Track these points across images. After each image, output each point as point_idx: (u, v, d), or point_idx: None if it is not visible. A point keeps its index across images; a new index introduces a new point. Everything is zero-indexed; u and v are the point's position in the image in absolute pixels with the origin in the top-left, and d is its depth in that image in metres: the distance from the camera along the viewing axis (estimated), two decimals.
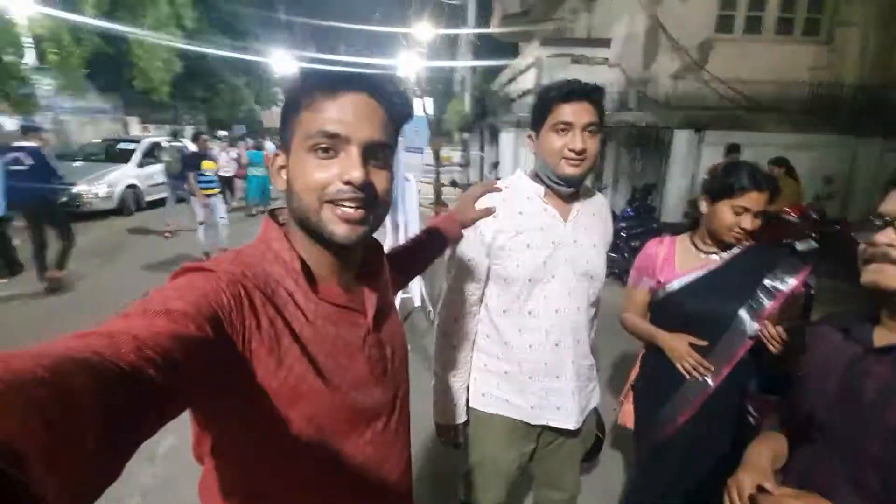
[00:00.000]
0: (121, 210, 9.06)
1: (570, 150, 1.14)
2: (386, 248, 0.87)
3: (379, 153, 0.66)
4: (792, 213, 4.59)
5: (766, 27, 7.47)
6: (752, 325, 1.35)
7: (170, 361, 0.43)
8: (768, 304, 1.34)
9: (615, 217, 5.97)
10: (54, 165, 5.07)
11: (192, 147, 11.91)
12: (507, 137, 9.21)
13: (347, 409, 0.69)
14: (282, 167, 0.68)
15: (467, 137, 16.05)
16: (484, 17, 15.50)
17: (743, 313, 1.36)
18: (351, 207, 0.64)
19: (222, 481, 0.67)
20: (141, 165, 9.78)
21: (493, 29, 14.41)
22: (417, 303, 4.35)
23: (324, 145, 0.62)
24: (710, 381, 1.39)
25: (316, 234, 0.66)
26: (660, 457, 1.52)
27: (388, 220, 6.29)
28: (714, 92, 7.16)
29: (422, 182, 6.19)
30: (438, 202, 6.18)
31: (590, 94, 1.15)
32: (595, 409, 1.55)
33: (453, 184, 8.41)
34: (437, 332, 1.33)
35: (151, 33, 10.51)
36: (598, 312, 1.44)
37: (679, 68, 7.34)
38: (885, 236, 0.79)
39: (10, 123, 11.75)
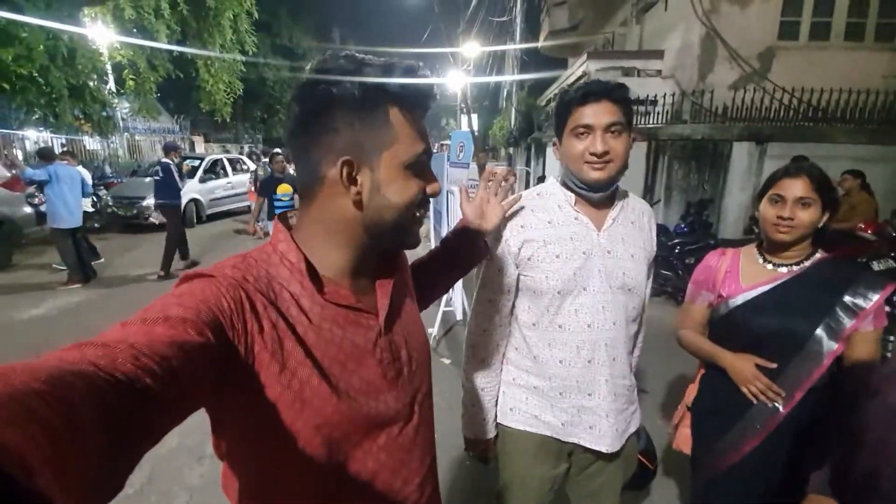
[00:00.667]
0: (183, 222, 9.64)
1: (591, 153, 1.09)
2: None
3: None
4: (867, 230, 4.23)
5: (835, 33, 7.02)
6: (829, 346, 1.22)
7: (168, 369, 0.43)
8: (849, 323, 1.21)
9: (668, 232, 5.77)
10: (177, 177, 6.32)
11: (249, 162, 12.67)
12: (552, 152, 9.07)
13: (357, 414, 0.66)
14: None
15: (513, 152, 16.03)
16: (532, 33, 15.54)
17: (820, 333, 1.23)
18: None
19: (238, 483, 0.68)
20: (203, 181, 10.41)
21: (542, 43, 14.40)
22: (459, 316, 4.32)
23: (420, 168, 0.69)
24: (780, 406, 1.27)
25: (394, 241, 0.72)
26: (720, 488, 1.39)
27: (431, 232, 6.34)
28: (777, 102, 6.77)
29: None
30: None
31: (610, 93, 1.09)
32: (644, 434, 1.45)
33: None
34: (465, 343, 1.28)
35: (219, 56, 11.25)
36: (643, 329, 1.35)
37: (738, 78, 7.01)
38: None
39: (92, 143, 12.89)
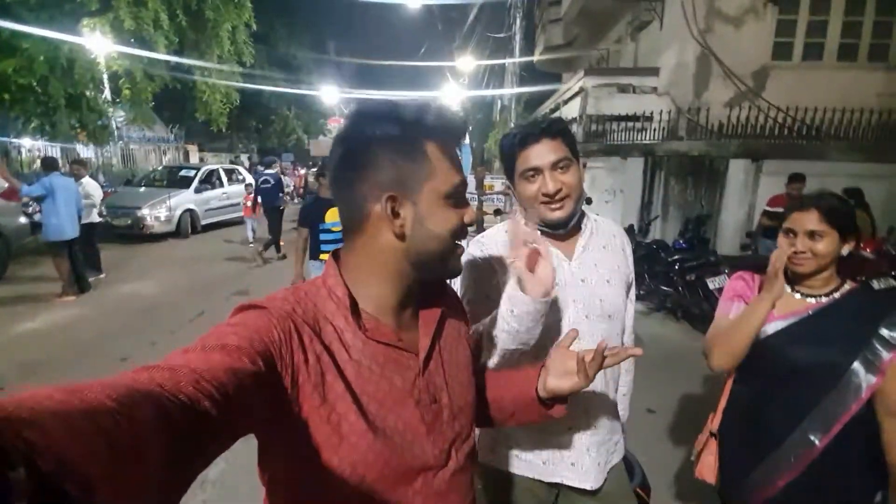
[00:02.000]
0: (178, 233, 9.56)
1: (544, 195, 1.09)
2: None
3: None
4: (866, 249, 4.26)
5: (828, 53, 7.17)
6: (868, 380, 1.20)
7: (224, 394, 0.46)
8: (887, 356, 1.19)
9: (667, 248, 5.80)
10: (282, 186, 8.34)
11: (245, 173, 12.62)
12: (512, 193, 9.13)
13: (392, 455, 0.65)
14: (401, 213, 0.68)
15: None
16: (528, 50, 15.75)
17: (858, 366, 1.20)
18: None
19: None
20: (198, 191, 10.34)
21: (537, 58, 14.58)
22: None
23: (458, 198, 0.71)
24: (816, 440, 1.23)
25: (438, 270, 0.72)
26: None
27: None
28: (772, 120, 6.88)
29: None
30: (480, 230, 6.17)
31: (547, 131, 1.09)
32: (639, 468, 1.38)
33: (497, 212, 8.37)
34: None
35: (217, 67, 11.27)
36: (628, 360, 1.31)
37: (733, 96, 7.13)
38: None
39: (85, 151, 12.78)
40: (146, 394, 0.39)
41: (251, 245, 8.44)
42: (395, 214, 0.67)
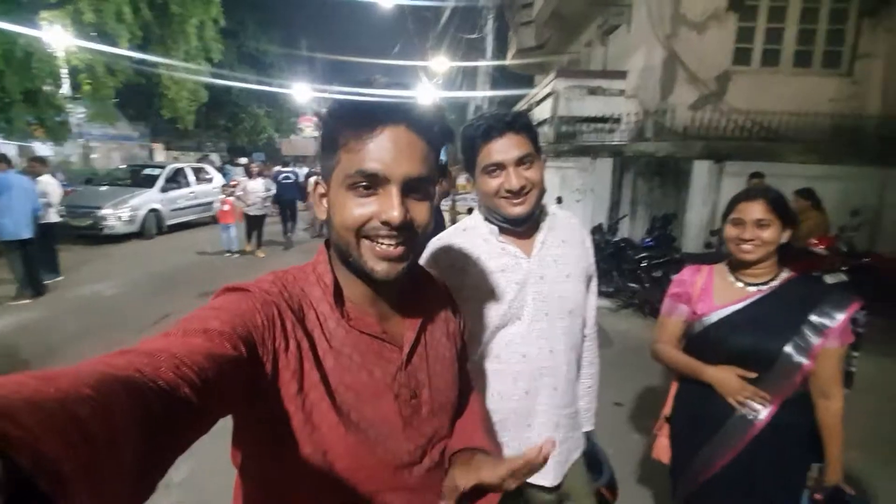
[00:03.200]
0: (142, 233, 9.24)
1: (507, 190, 1.07)
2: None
3: (419, 186, 0.64)
4: (820, 246, 4.48)
5: (784, 59, 7.48)
6: (799, 362, 1.28)
7: (204, 379, 0.45)
8: (817, 341, 1.27)
9: (634, 246, 5.94)
10: (300, 183, 9.67)
11: (213, 172, 12.29)
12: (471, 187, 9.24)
13: (363, 448, 0.64)
14: (322, 195, 0.68)
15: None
16: (501, 51, 15.88)
17: (790, 350, 1.29)
18: (390, 245, 0.62)
19: (245, 497, 0.68)
20: (164, 190, 10.03)
21: (509, 61, 14.72)
22: None
23: (363, 184, 0.62)
24: (753, 421, 1.31)
25: (357, 268, 0.65)
26: (701, 500, 1.43)
27: None
28: (733, 123, 7.13)
29: (443, 210, 6.20)
30: None
31: (512, 125, 1.07)
32: (607, 468, 1.38)
33: (470, 211, 8.43)
34: None
35: (184, 65, 10.96)
36: (593, 349, 1.35)
37: (697, 99, 7.36)
38: None
39: (43, 149, 12.23)
40: (124, 380, 0.37)
41: (229, 254, 7.98)
42: (322, 199, 0.68)
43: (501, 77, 15.55)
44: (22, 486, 0.24)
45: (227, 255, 7.96)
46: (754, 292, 1.36)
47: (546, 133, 8.00)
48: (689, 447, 1.44)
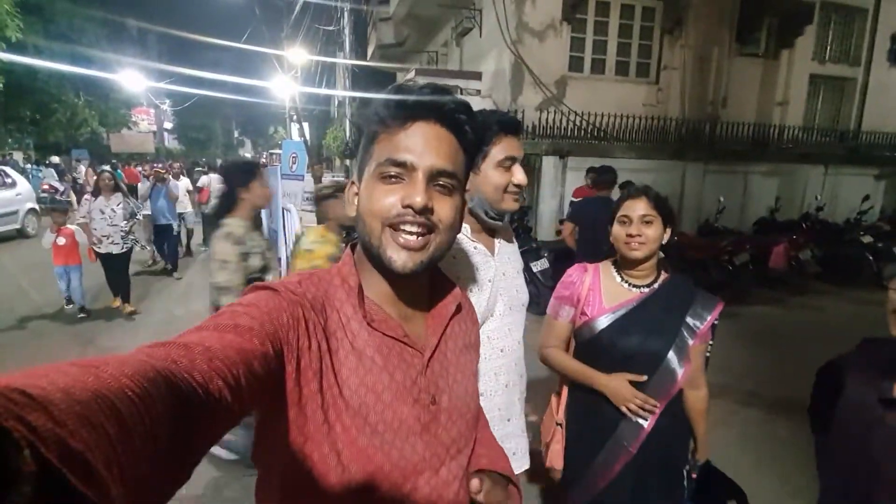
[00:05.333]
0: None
1: (515, 185, 1.11)
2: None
3: (445, 180, 0.66)
4: None
5: (608, 68, 8.63)
6: (680, 364, 1.35)
7: (235, 374, 0.46)
8: (691, 342, 1.36)
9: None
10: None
11: (14, 175, 10.03)
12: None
13: (379, 451, 0.64)
14: (355, 194, 0.70)
15: (350, 164, 15.89)
16: (360, 45, 15.63)
17: (672, 354, 1.35)
18: (411, 234, 0.64)
19: (265, 495, 0.68)
20: None
21: (369, 61, 14.55)
22: None
23: (392, 172, 0.64)
24: (644, 423, 1.36)
25: (377, 259, 0.66)
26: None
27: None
28: (571, 123, 8.03)
29: (304, 210, 5.94)
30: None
31: (519, 128, 1.15)
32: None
33: None
34: None
35: None
36: None
37: (542, 101, 8.11)
38: None
39: None
40: (161, 371, 0.38)
41: (72, 308, 5.16)
42: (354, 198, 0.70)
43: (362, 72, 15.32)
44: (53, 478, 0.24)
45: (70, 308, 5.18)
46: (638, 294, 1.40)
47: None
48: (585, 454, 1.44)
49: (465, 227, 1.18)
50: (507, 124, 1.11)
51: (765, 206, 8.16)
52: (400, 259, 0.64)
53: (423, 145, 0.64)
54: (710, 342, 1.51)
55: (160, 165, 9.54)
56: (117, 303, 5.31)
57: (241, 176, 2.30)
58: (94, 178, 5.86)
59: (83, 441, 0.27)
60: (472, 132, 0.69)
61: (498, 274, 1.19)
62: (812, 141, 9.45)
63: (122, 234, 5.08)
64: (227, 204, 2.28)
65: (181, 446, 0.38)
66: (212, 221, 8.74)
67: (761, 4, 8.56)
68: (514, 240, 1.35)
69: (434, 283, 0.77)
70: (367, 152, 0.68)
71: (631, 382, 1.35)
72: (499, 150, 1.11)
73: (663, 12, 8.60)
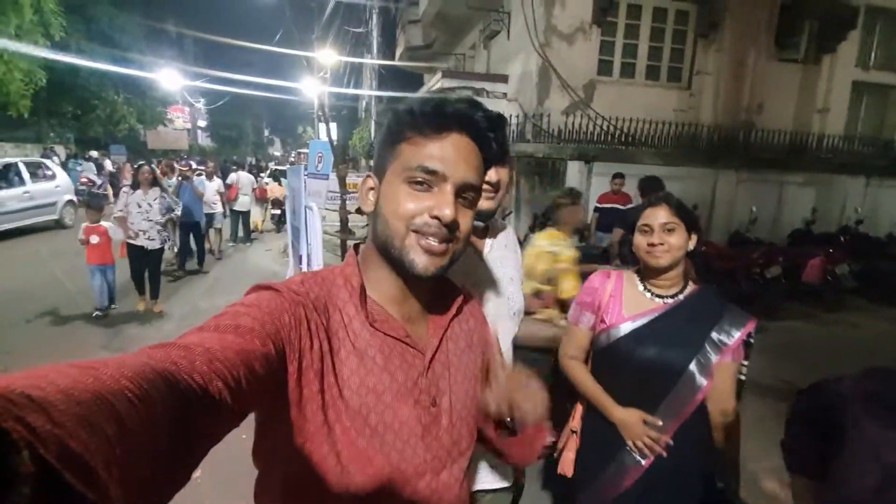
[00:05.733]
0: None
1: (486, 182, 1.11)
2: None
3: (469, 194, 0.67)
4: None
5: (638, 72, 8.46)
6: (701, 382, 1.29)
7: (236, 375, 0.46)
8: (715, 358, 1.30)
9: (520, 242, 6.28)
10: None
11: (55, 168, 10.48)
12: None
13: (379, 452, 0.64)
14: (371, 189, 0.70)
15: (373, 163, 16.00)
16: (389, 47, 15.77)
17: (693, 368, 1.29)
18: (435, 241, 0.65)
19: (263, 489, 0.69)
20: None
21: (397, 62, 14.67)
22: None
23: (420, 179, 0.64)
24: (664, 453, 1.31)
25: (397, 260, 0.66)
26: None
27: (290, 251, 5.97)
28: (598, 128, 7.89)
29: (327, 209, 6.00)
30: (345, 230, 6.02)
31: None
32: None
33: (359, 211, 8.28)
34: None
35: (11, 42, 9.20)
36: None
37: (568, 105, 8.01)
38: None
39: None
40: (161, 372, 0.38)
41: (100, 314, 4.93)
42: (369, 193, 0.70)
43: (390, 73, 15.44)
44: (52, 479, 0.25)
45: (98, 314, 4.93)
46: (661, 305, 1.35)
47: None
48: (594, 464, 1.42)
49: None
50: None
51: (800, 217, 7.83)
52: (422, 263, 0.65)
53: (455, 157, 0.65)
54: (745, 363, 1.42)
55: (184, 162, 9.54)
56: (143, 304, 5.22)
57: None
58: (132, 172, 5.85)
59: (82, 442, 0.27)
60: (499, 146, 0.70)
61: (485, 277, 1.18)
62: (853, 151, 9.04)
63: (158, 229, 5.04)
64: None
65: (181, 447, 0.38)
66: (247, 217, 8.77)
67: (802, 8, 8.25)
68: (516, 248, 1.31)
69: (436, 285, 0.77)
70: (393, 151, 0.67)
71: (642, 401, 1.32)
72: None
73: (697, 16, 8.39)
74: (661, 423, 1.31)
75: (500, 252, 1.24)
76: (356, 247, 0.75)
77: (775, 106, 8.73)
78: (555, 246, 2.51)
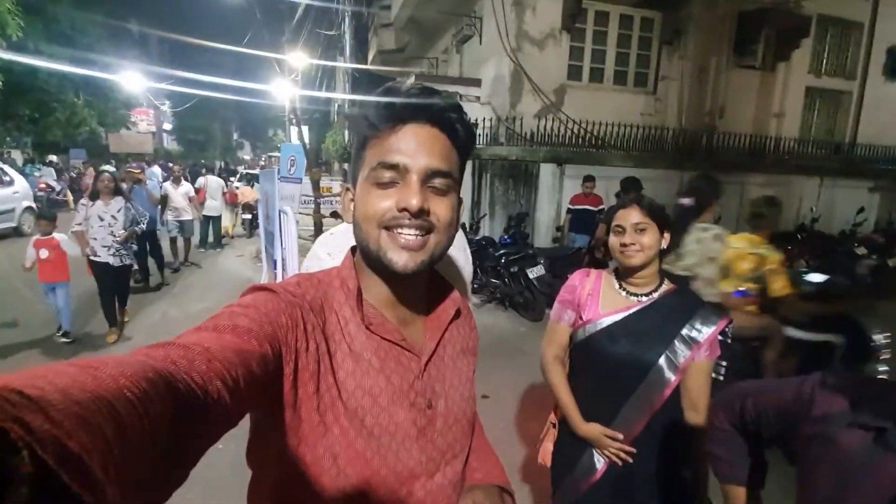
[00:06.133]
0: None
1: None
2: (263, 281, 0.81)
3: (440, 181, 0.65)
4: None
5: (606, 77, 8.70)
6: (669, 376, 1.34)
7: (234, 375, 0.46)
8: (686, 354, 1.34)
9: (494, 244, 6.37)
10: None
11: (12, 173, 9.97)
12: None
13: (374, 454, 0.64)
14: (350, 200, 0.70)
15: (347, 168, 15.87)
16: (361, 50, 15.68)
17: (662, 363, 1.34)
18: (410, 235, 0.63)
19: (256, 491, 0.69)
20: None
21: (370, 66, 14.60)
22: None
23: (385, 177, 0.64)
24: (628, 429, 1.37)
25: (376, 262, 0.66)
26: None
27: (263, 256, 5.88)
28: (570, 131, 8.07)
29: (301, 213, 5.93)
30: (319, 234, 5.98)
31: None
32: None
33: (334, 215, 8.20)
34: None
35: None
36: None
37: (540, 109, 8.16)
38: None
39: None
40: (160, 372, 0.38)
41: (61, 338, 4.44)
42: (350, 204, 0.70)
43: (363, 78, 15.34)
44: (50, 479, 0.24)
45: (59, 337, 4.45)
46: (635, 303, 1.40)
47: None
48: (570, 455, 1.48)
49: None
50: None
51: None
52: (401, 260, 0.63)
53: (415, 147, 0.63)
54: (723, 363, 1.45)
55: (135, 165, 8.29)
56: (113, 336, 4.58)
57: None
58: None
59: (80, 442, 0.27)
60: (464, 131, 0.68)
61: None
62: (808, 153, 9.53)
63: (118, 244, 4.42)
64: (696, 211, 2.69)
65: (179, 447, 0.38)
66: (217, 222, 8.41)
67: (759, 18, 8.65)
68: (465, 244, 1.39)
69: (433, 287, 0.77)
70: (360, 157, 0.67)
71: (613, 394, 1.38)
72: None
73: (662, 24, 8.69)
74: (621, 436, 1.36)
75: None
76: (353, 249, 0.74)
77: (735, 110, 9.13)
78: (759, 249, 2.74)
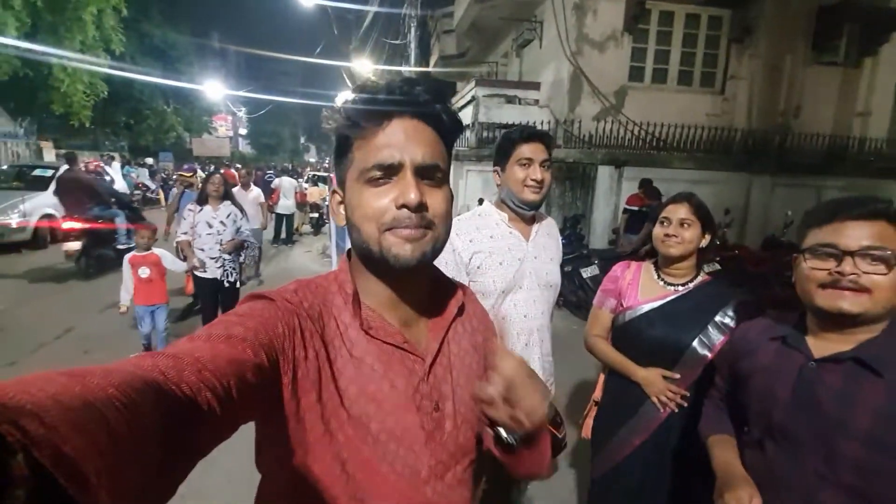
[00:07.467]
0: (35, 242, 8.33)
1: (532, 179, 1.42)
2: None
3: (432, 174, 0.64)
4: None
5: (670, 78, 8.51)
6: (702, 356, 1.43)
7: (226, 385, 0.46)
8: (719, 339, 1.42)
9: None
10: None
11: (113, 173, 11.22)
12: (493, 177, 9.48)
13: (382, 459, 0.63)
14: (340, 203, 0.69)
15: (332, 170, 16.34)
16: (423, 56, 16.18)
17: (695, 345, 1.44)
18: (410, 228, 0.62)
19: (266, 495, 0.69)
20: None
21: (431, 69, 15.06)
22: None
23: (380, 175, 0.62)
24: (661, 408, 1.48)
25: (380, 263, 0.64)
26: (615, 478, 1.58)
27: (333, 251, 6.29)
28: (629, 133, 7.99)
29: None
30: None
31: (543, 137, 1.47)
32: (552, 406, 1.72)
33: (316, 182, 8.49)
34: None
35: (78, 56, 10.03)
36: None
37: (599, 111, 8.13)
38: (850, 266, 0.85)
39: None
40: (149, 382, 0.38)
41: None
42: (339, 207, 0.70)
43: (425, 84, 15.79)
44: (45, 483, 0.25)
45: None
46: (671, 292, 1.50)
47: (468, 138, 8.42)
48: (608, 428, 1.60)
49: (504, 215, 1.51)
50: (524, 133, 1.45)
51: None
52: (405, 253, 0.62)
53: (405, 141, 0.62)
54: None
55: (187, 167, 7.17)
56: None
57: None
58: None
59: (75, 448, 0.27)
60: (449, 121, 0.67)
61: (529, 256, 1.49)
62: None
63: (226, 254, 3.88)
64: None
65: (169, 457, 0.38)
66: (290, 220, 8.75)
67: (841, 12, 8.13)
68: (557, 236, 1.65)
69: (435, 287, 0.75)
70: (346, 159, 0.66)
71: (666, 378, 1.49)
72: (518, 153, 1.44)
73: (731, 21, 8.39)
74: (678, 376, 1.46)
75: (543, 239, 1.55)
76: (349, 253, 0.72)
77: (813, 110, 8.60)
78: None
